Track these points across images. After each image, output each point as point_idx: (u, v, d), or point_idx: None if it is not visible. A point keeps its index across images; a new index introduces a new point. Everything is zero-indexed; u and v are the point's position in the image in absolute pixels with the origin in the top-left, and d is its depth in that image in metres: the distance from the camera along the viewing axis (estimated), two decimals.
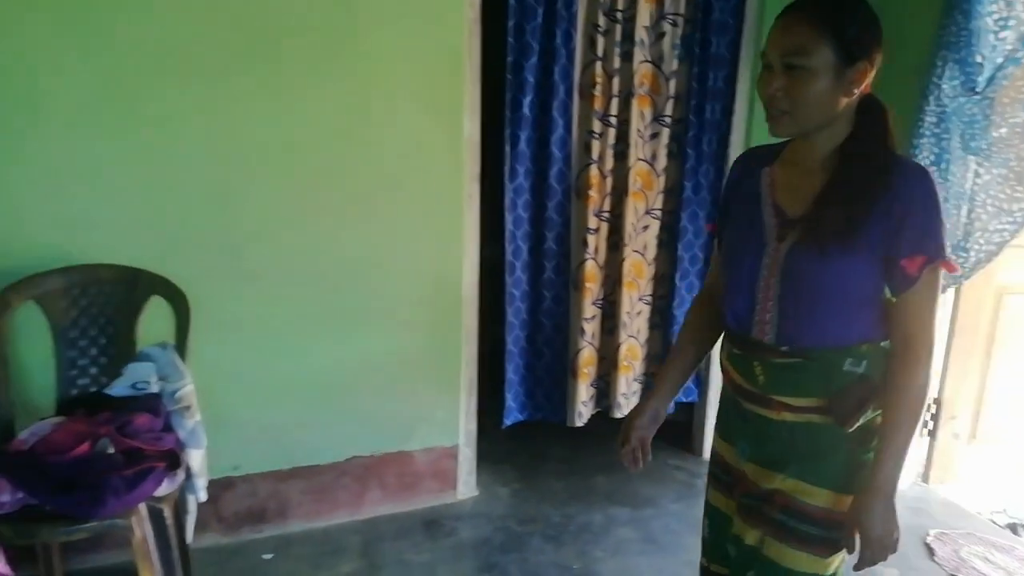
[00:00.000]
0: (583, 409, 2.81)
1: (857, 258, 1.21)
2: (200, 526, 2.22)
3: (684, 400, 3.04)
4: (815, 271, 1.23)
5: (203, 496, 2.02)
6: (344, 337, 2.43)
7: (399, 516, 2.63)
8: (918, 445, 2.94)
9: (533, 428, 3.13)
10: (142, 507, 1.76)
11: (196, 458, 1.96)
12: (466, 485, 2.75)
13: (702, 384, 3.02)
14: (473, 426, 2.71)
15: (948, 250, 1.23)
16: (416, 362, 2.55)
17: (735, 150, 2.75)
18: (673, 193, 2.80)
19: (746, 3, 2.66)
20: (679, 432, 3.20)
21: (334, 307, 2.39)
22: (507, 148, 2.56)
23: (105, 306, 2.05)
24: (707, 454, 3.03)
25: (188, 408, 1.98)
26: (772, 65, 1.21)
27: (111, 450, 1.80)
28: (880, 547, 1.24)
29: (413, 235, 2.43)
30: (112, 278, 2.05)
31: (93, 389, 2.02)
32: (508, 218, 2.62)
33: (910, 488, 2.94)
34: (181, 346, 2.03)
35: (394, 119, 2.32)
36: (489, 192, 2.65)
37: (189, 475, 1.95)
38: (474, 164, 2.46)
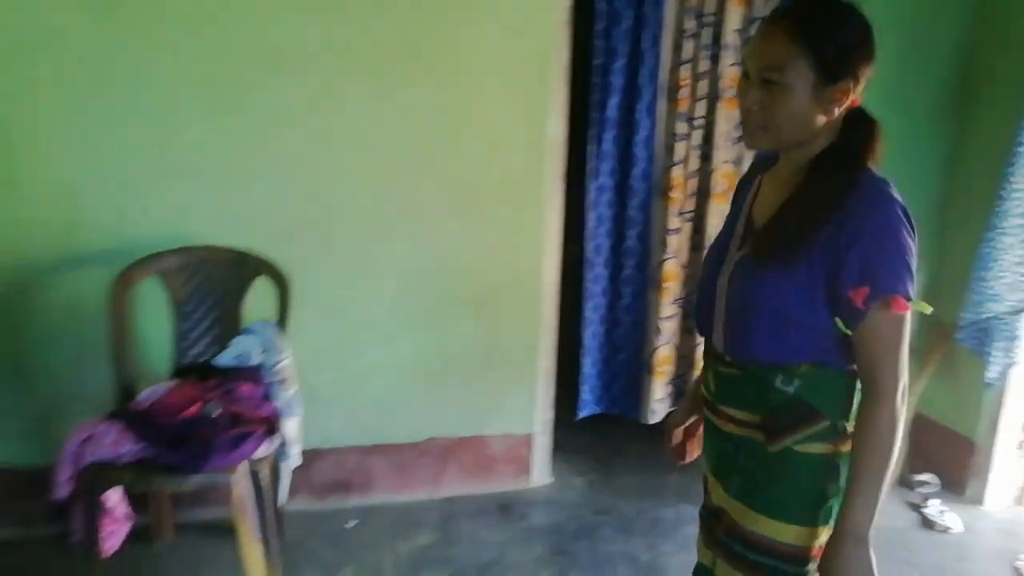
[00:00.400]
0: (658, 407, 2.85)
1: (796, 277, 1.15)
2: (292, 491, 2.42)
3: None
4: (753, 284, 1.20)
5: (296, 462, 2.20)
6: (429, 325, 2.57)
7: (474, 497, 2.75)
8: (1013, 466, 2.81)
9: (610, 423, 3.19)
10: (242, 466, 1.94)
11: (291, 426, 2.14)
12: (540, 472, 2.84)
13: None
14: (549, 416, 2.80)
15: (907, 286, 1.12)
16: (496, 352, 2.66)
17: None
18: None
19: None
20: None
21: (421, 296, 2.53)
22: (591, 148, 2.63)
23: (217, 284, 2.26)
24: None
25: (285, 380, 2.16)
26: (750, 75, 1.16)
27: (217, 413, 2.00)
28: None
29: (498, 231, 2.54)
30: (224, 259, 2.26)
31: (203, 359, 2.24)
32: (590, 216, 2.69)
33: (1004, 511, 2.82)
34: (282, 324, 2.22)
35: (483, 119, 2.43)
36: (571, 191, 2.72)
37: (284, 442, 2.13)
38: (558, 163, 2.55)
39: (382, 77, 2.33)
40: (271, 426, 2.05)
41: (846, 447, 1.21)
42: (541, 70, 2.43)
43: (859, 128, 1.19)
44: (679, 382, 2.91)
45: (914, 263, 1.14)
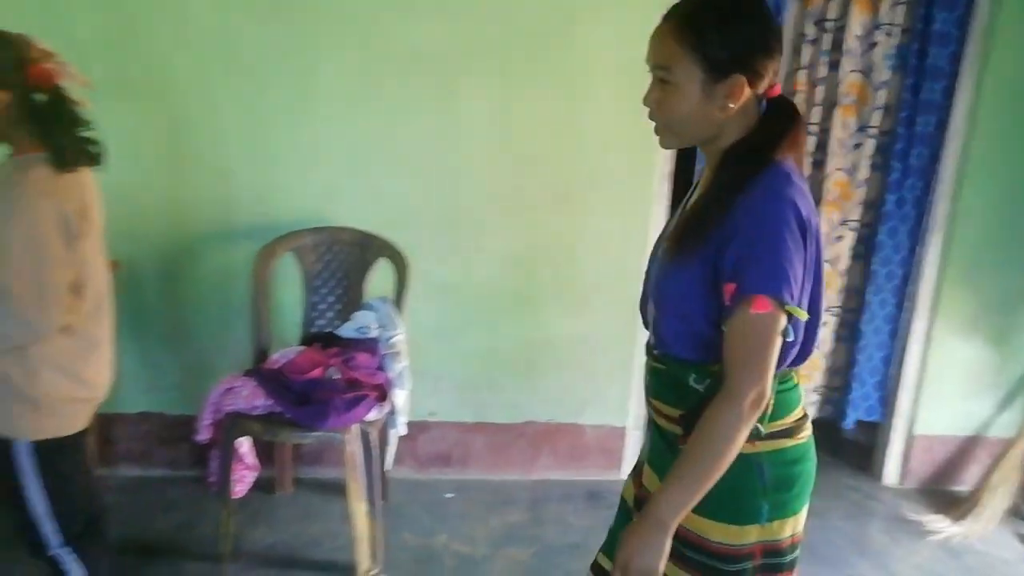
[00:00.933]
0: None
1: (692, 269, 1.14)
2: (397, 459, 2.62)
3: (867, 419, 2.96)
4: (663, 279, 1.20)
5: (403, 431, 2.39)
6: (533, 312, 2.70)
7: (565, 483, 2.86)
8: None
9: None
10: (355, 427, 2.14)
11: (400, 397, 2.33)
12: (630, 465, 2.89)
13: (888, 403, 2.92)
14: (642, 411, 2.87)
15: (777, 286, 1.06)
16: (595, 344, 2.76)
17: (948, 164, 2.63)
18: (873, 206, 2.74)
19: (973, 13, 2.53)
20: (859, 452, 3.11)
21: (526, 284, 2.67)
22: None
23: (343, 262, 2.49)
24: (889, 478, 2.96)
25: (398, 354, 2.35)
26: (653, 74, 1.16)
27: (337, 377, 2.21)
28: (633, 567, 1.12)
29: (603, 226, 2.63)
30: (351, 240, 2.48)
31: (328, 328, 2.47)
32: None
33: None
34: (398, 302, 2.42)
35: (597, 118, 2.53)
36: (678, 191, 2.78)
37: (393, 411, 2.32)
38: (665, 163, 2.61)
39: (504, 76, 2.47)
40: (383, 393, 2.25)
41: (765, 447, 1.19)
42: None
43: (774, 119, 1.16)
44: (824, 390, 2.89)
45: (793, 266, 1.07)
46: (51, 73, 1.43)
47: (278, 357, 2.32)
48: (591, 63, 2.48)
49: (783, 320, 1.09)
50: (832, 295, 2.81)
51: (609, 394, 2.81)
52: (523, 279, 2.67)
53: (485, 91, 2.48)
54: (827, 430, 3.17)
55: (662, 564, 1.12)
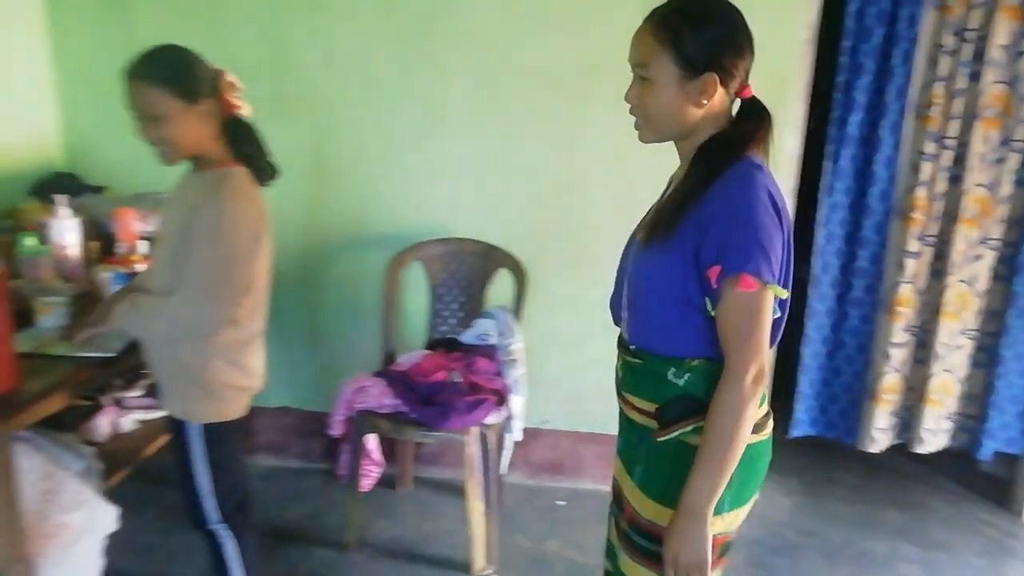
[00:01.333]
0: (879, 436, 2.74)
1: (671, 257, 1.17)
2: (511, 464, 2.70)
3: (1006, 450, 2.77)
4: (640, 270, 1.24)
5: (519, 436, 2.46)
6: None
7: None
8: None
9: (825, 450, 3.12)
10: (475, 429, 2.23)
11: (517, 403, 2.41)
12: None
13: None
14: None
15: (757, 265, 1.10)
16: None
17: None
18: (1017, 223, 2.58)
19: None
20: (996, 485, 2.92)
21: None
22: (827, 165, 2.62)
23: (467, 272, 2.60)
24: None
25: (516, 361, 2.43)
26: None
27: (459, 380, 2.32)
28: (684, 572, 1.17)
29: None
30: (473, 251, 2.59)
31: (450, 334, 2.58)
32: (820, 233, 2.67)
33: None
34: (517, 311, 2.50)
35: None
36: (799, 208, 2.72)
37: (510, 416, 2.40)
38: (791, 180, 2.57)
39: (621, 89, 2.52)
40: (501, 398, 2.33)
41: None
42: (781, 87, 2.47)
43: (746, 119, 1.22)
44: (905, 413, 2.77)
45: (773, 246, 1.12)
46: (234, 104, 1.60)
47: (404, 360, 2.46)
48: None
49: (769, 297, 1.14)
50: (969, 316, 2.66)
51: None
52: None
53: (605, 107, 2.53)
54: (960, 461, 3.00)
55: (707, 552, 1.16)
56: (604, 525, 2.62)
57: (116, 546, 1.92)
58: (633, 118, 1.27)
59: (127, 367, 1.74)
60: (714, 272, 1.13)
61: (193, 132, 1.54)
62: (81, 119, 2.66)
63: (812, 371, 2.81)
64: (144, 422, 2.22)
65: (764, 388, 1.16)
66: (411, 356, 2.47)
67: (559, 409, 2.82)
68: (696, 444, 1.20)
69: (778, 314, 1.19)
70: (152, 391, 2.25)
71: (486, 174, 2.62)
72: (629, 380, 1.31)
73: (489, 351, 2.44)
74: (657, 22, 1.19)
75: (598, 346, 2.74)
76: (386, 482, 2.74)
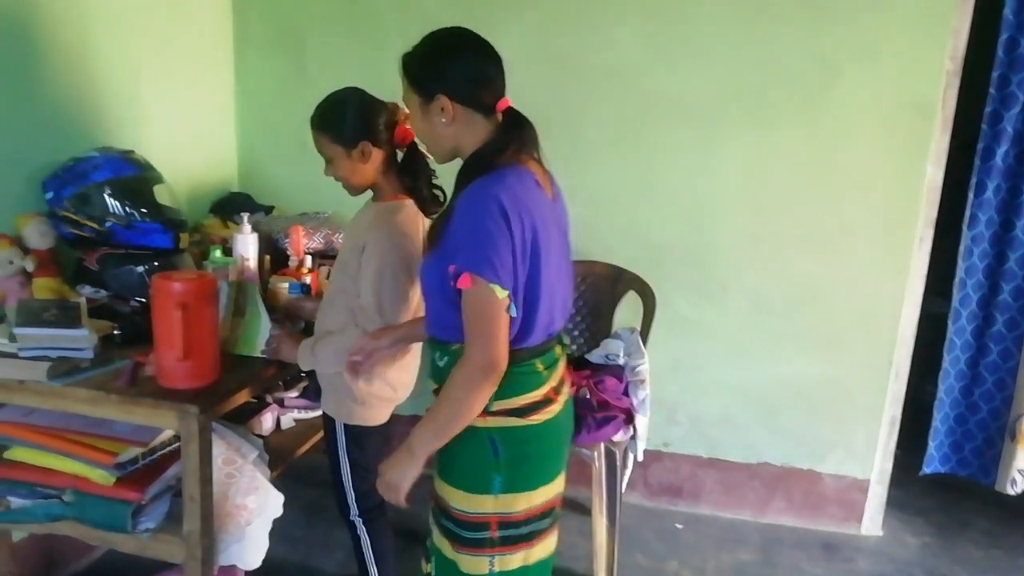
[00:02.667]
0: (1019, 477, 2.62)
1: (437, 263, 1.34)
2: (630, 484, 2.75)
3: None
4: (423, 271, 1.42)
5: (640, 456, 2.50)
6: (777, 351, 2.72)
7: (799, 530, 2.81)
8: None
9: (956, 491, 3.01)
10: (602, 445, 2.31)
11: (641, 424, 2.46)
12: (872, 522, 2.79)
13: None
14: (888, 465, 2.75)
15: (480, 266, 1.25)
16: (839, 390, 2.70)
17: None
18: None
19: None
20: None
21: (773, 324, 2.70)
22: (971, 196, 2.56)
23: (596, 293, 2.70)
24: None
25: (642, 382, 2.49)
26: None
27: (588, 397, 2.40)
28: (386, 487, 1.40)
29: (858, 270, 2.60)
30: (603, 273, 2.68)
31: (579, 353, 2.68)
32: (961, 265, 2.61)
33: None
34: (644, 333, 2.57)
35: (855, 161, 2.53)
36: (937, 239, 2.66)
37: (634, 436, 2.46)
38: (931, 210, 2.53)
39: (759, 122, 2.56)
40: (629, 416, 2.39)
41: (496, 422, 1.36)
42: (924, 117, 2.45)
43: (506, 130, 1.37)
44: None
45: (495, 250, 1.25)
46: (409, 133, 1.78)
47: None
48: (850, 110, 2.49)
49: (496, 295, 1.27)
50: None
51: (853, 443, 2.74)
52: (766, 318, 2.70)
53: (740, 136, 2.59)
54: None
55: (406, 482, 1.38)
56: (724, 551, 2.66)
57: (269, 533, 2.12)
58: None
59: (295, 369, 1.93)
60: (451, 270, 1.30)
61: (356, 170, 1.75)
62: (254, 145, 2.96)
63: (945, 406, 2.73)
64: (300, 421, 2.42)
65: (497, 376, 1.30)
66: None
67: (680, 432, 2.85)
68: (469, 424, 1.37)
69: (516, 314, 1.32)
70: (308, 393, 2.46)
71: (619, 199, 2.71)
72: (428, 365, 1.50)
73: (616, 371, 2.51)
74: (402, 60, 1.41)
75: (720, 371, 2.77)
76: None
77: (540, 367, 1.42)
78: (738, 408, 2.79)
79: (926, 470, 2.78)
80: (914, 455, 2.82)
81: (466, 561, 1.42)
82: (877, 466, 2.74)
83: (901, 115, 2.47)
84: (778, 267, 2.66)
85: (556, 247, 1.40)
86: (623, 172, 2.69)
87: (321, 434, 2.42)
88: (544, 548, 1.51)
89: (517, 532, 1.42)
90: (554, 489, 1.48)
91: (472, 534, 1.41)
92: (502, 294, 1.27)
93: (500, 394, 1.35)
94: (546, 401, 1.42)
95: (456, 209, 1.31)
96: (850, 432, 2.73)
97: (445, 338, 1.40)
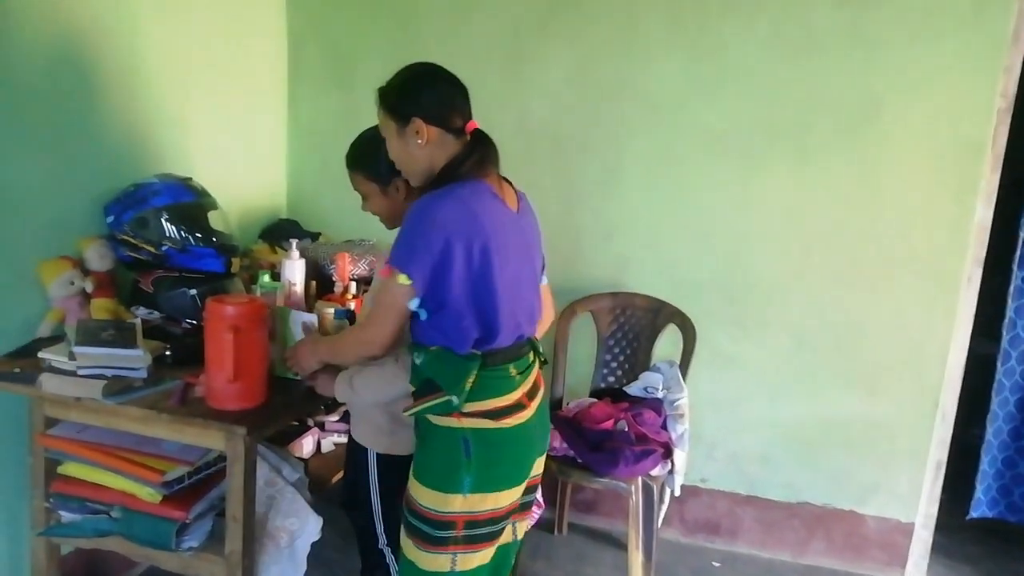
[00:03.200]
0: None
1: None
2: (665, 520, 2.72)
3: None
4: None
5: (678, 491, 2.48)
6: (818, 389, 2.68)
7: (839, 573, 2.73)
8: None
9: (1005, 538, 2.91)
10: (640, 479, 2.30)
11: (679, 458, 2.44)
12: (917, 568, 2.71)
13: None
14: (934, 510, 2.67)
15: (401, 261, 1.41)
16: (883, 430, 2.64)
17: None
18: None
19: None
20: None
21: (816, 361, 2.66)
22: (1021, 235, 2.52)
23: (635, 325, 2.70)
24: None
25: (681, 416, 2.48)
26: None
27: (627, 430, 2.40)
28: (292, 358, 1.73)
29: (901, 308, 2.56)
30: (643, 305, 2.68)
31: (616, 385, 2.68)
32: (1011, 305, 2.56)
33: None
34: (684, 367, 2.56)
35: (900, 196, 2.50)
36: (985, 279, 2.61)
37: (672, 470, 2.44)
38: (980, 249, 2.49)
39: (802, 155, 2.56)
40: (668, 450, 2.38)
41: (469, 423, 1.46)
42: (973, 153, 2.42)
43: (464, 151, 1.48)
44: None
45: (418, 250, 1.39)
46: None
47: (573, 407, 2.57)
48: (897, 145, 2.48)
49: (404, 290, 1.41)
50: None
51: (896, 485, 2.67)
52: (807, 355, 2.67)
53: (782, 169, 2.59)
54: None
55: (303, 359, 1.71)
56: None
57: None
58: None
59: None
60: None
61: (390, 205, 1.76)
62: (303, 173, 3.04)
63: (994, 449, 2.67)
64: (339, 445, 2.45)
65: (372, 351, 1.50)
66: (580, 403, 2.58)
67: (718, 468, 2.81)
68: (438, 424, 1.49)
69: (425, 316, 1.45)
70: (348, 417, 2.49)
71: (659, 231, 2.72)
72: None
73: (655, 404, 2.51)
74: (378, 93, 1.55)
75: (761, 408, 2.74)
76: (543, 525, 2.83)
77: (513, 372, 1.51)
78: (778, 446, 2.75)
79: (973, 514, 2.70)
80: (960, 499, 2.75)
81: (428, 559, 1.51)
82: (922, 510, 2.67)
83: (949, 152, 2.45)
84: (821, 303, 2.63)
85: (515, 255, 1.50)
86: (663, 204, 2.70)
87: None
88: (502, 539, 1.60)
89: (482, 531, 1.51)
90: (518, 493, 1.56)
91: (439, 532, 1.49)
92: (404, 280, 1.41)
93: (474, 396, 1.45)
94: (518, 406, 1.51)
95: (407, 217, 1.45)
96: (894, 474, 2.66)
97: (419, 340, 1.50)
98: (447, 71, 1.56)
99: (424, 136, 1.48)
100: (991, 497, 2.70)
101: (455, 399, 1.44)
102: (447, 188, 1.43)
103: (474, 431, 1.47)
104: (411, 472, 1.53)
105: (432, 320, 1.45)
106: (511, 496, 1.53)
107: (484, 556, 1.54)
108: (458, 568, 1.51)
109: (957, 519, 2.76)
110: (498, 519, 1.53)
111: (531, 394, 1.56)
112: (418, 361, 1.49)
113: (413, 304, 1.44)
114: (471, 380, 1.44)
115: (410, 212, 1.42)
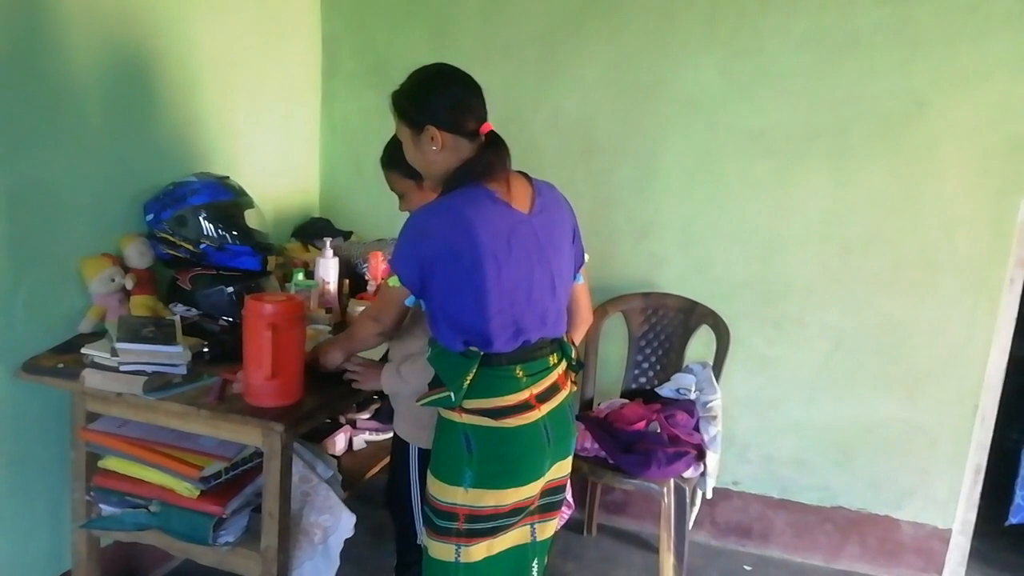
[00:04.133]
0: None
1: None
2: (697, 522, 2.70)
3: None
4: None
5: (709, 494, 2.47)
6: (854, 392, 2.63)
7: None
8: None
9: None
10: (672, 481, 2.28)
11: (712, 460, 2.42)
12: (954, 574, 2.66)
13: None
14: (972, 515, 2.62)
15: (395, 264, 1.52)
16: (920, 435, 2.60)
17: None
18: None
19: None
20: None
21: (852, 363, 2.61)
22: None
23: (667, 326, 2.68)
24: None
25: (715, 418, 2.45)
26: None
27: (659, 431, 2.38)
28: (318, 356, 1.81)
29: (941, 310, 2.51)
30: (676, 306, 2.66)
31: (648, 386, 2.66)
32: None
33: None
34: (717, 368, 2.54)
35: (942, 197, 2.45)
36: None
37: (704, 473, 2.42)
38: (1022, 250, 2.43)
39: (841, 156, 2.51)
40: (701, 452, 2.36)
41: (470, 419, 1.50)
42: (1018, 154, 2.36)
43: (477, 154, 1.50)
44: None
45: (406, 256, 1.49)
46: None
47: (604, 407, 2.56)
48: (939, 145, 2.43)
49: (397, 289, 1.53)
50: None
51: (934, 490, 2.62)
52: (845, 357, 2.63)
53: (821, 171, 2.55)
54: None
55: (323, 354, 1.81)
56: None
57: None
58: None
59: (370, 392, 1.96)
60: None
61: (426, 202, 1.77)
62: (336, 172, 3.06)
63: None
64: (371, 443, 2.46)
65: (378, 329, 1.67)
66: (611, 403, 2.57)
67: (750, 471, 2.79)
68: (444, 417, 1.55)
69: (421, 306, 1.56)
70: (380, 415, 2.50)
71: (694, 232, 2.69)
72: None
73: (688, 406, 2.49)
74: (391, 99, 1.57)
75: (795, 410, 2.70)
76: (573, 526, 2.82)
77: (519, 373, 1.52)
78: (812, 449, 2.71)
79: (1012, 520, 2.65)
80: (998, 505, 2.69)
81: (435, 547, 1.56)
82: (960, 516, 2.62)
83: (994, 152, 2.40)
84: (859, 305, 2.59)
85: (520, 258, 1.49)
86: (699, 205, 2.68)
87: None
88: (514, 538, 1.61)
89: (483, 526, 1.53)
90: (527, 492, 1.55)
91: (442, 522, 1.53)
92: (395, 282, 1.53)
93: (474, 393, 1.49)
94: (523, 407, 1.52)
95: None
96: (931, 479, 2.62)
97: (432, 336, 1.57)
98: (459, 72, 1.57)
99: (439, 142, 1.50)
100: None
101: (452, 395, 1.48)
102: (444, 198, 1.49)
103: (473, 427, 1.51)
104: (430, 464, 1.60)
105: (430, 319, 1.55)
106: (516, 495, 1.53)
107: (488, 548, 1.56)
108: (462, 560, 1.54)
109: (995, 525, 2.71)
110: (500, 515, 1.54)
111: (543, 396, 1.56)
112: (428, 355, 1.58)
113: (409, 300, 1.55)
114: (469, 378, 1.48)
115: (407, 221, 1.51)
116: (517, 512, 1.57)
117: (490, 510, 1.52)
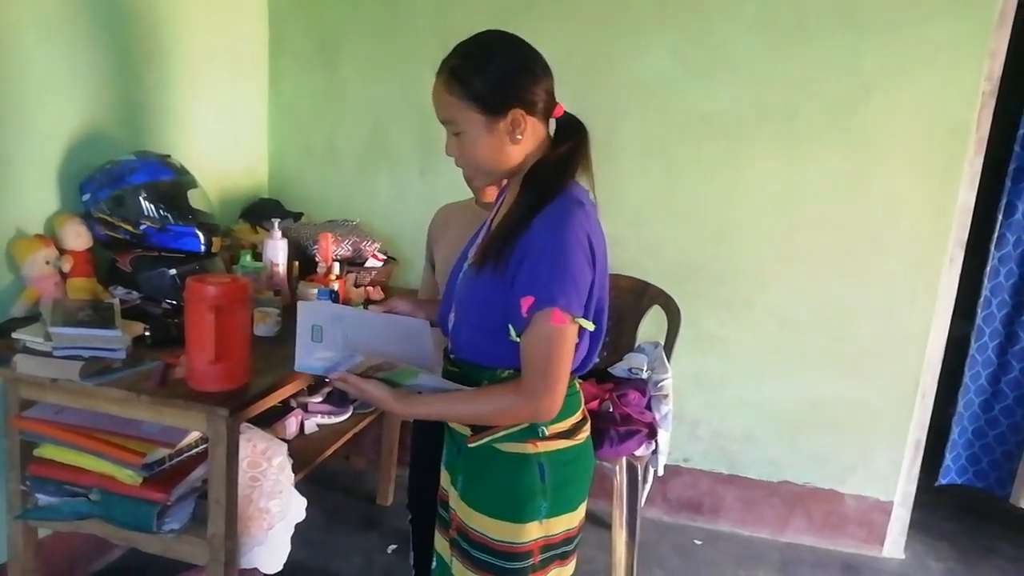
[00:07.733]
0: None
1: (493, 283, 1.22)
2: (649, 498, 2.74)
3: None
4: (469, 291, 1.29)
5: (661, 471, 2.49)
6: (802, 370, 2.70)
7: (818, 551, 2.78)
8: None
9: (981, 515, 2.98)
10: (624, 459, 2.31)
11: (663, 438, 2.45)
12: (894, 545, 2.76)
13: None
14: (912, 487, 2.72)
15: (568, 300, 1.16)
16: (863, 411, 2.68)
17: None
18: None
19: None
20: None
21: (799, 342, 2.68)
22: (1000, 217, 2.54)
23: (620, 307, 2.69)
24: None
25: (666, 397, 2.48)
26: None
27: (611, 410, 2.40)
28: (359, 391, 1.26)
29: (886, 291, 2.58)
30: (628, 286, 2.68)
31: (601, 366, 2.67)
32: (987, 284, 2.60)
33: None
34: (668, 348, 2.56)
35: (887, 181, 2.51)
36: (976, 260, 2.64)
37: (656, 451, 2.45)
38: (961, 231, 2.51)
39: (791, 140, 2.55)
40: (652, 431, 2.39)
41: (546, 447, 1.27)
42: (958, 137, 2.43)
43: (565, 138, 1.27)
44: None
45: (582, 283, 1.18)
46: None
47: None
48: (885, 129, 2.48)
49: (575, 331, 1.20)
50: None
51: (876, 464, 2.71)
52: (792, 336, 2.69)
53: (771, 154, 2.58)
54: None
55: (370, 394, 1.26)
56: (743, 569, 2.63)
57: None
58: None
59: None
60: (527, 302, 1.17)
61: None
62: (285, 152, 2.98)
63: (964, 420, 2.74)
64: (323, 426, 2.43)
65: (545, 420, 1.24)
66: None
67: (700, 448, 2.84)
68: (507, 451, 1.28)
69: (586, 344, 1.28)
70: (332, 398, 2.47)
71: (646, 213, 2.71)
72: None
73: (640, 385, 2.51)
74: (446, 77, 1.23)
75: (744, 388, 2.76)
76: None
77: (578, 386, 1.37)
78: (760, 426, 2.77)
79: (942, 480, 2.77)
80: (935, 475, 2.80)
81: None
82: (900, 488, 2.71)
83: (935, 136, 2.46)
84: (806, 286, 2.64)
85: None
86: (652, 187, 2.69)
87: (343, 439, 2.45)
88: (571, 567, 1.44)
89: (554, 552, 1.36)
90: (586, 502, 1.42)
91: (516, 564, 1.30)
92: (592, 327, 1.25)
93: (556, 418, 1.26)
94: (585, 419, 1.38)
95: (535, 234, 1.19)
96: (873, 453, 2.70)
97: (492, 363, 1.27)
98: (529, 45, 1.29)
99: (523, 129, 1.23)
100: (960, 465, 2.78)
101: (545, 428, 1.27)
102: (574, 201, 1.23)
103: (548, 454, 1.29)
104: (469, 506, 1.32)
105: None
106: (582, 510, 1.39)
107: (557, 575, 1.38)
108: None
109: (936, 497, 2.81)
110: (571, 538, 1.37)
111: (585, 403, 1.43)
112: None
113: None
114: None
115: (552, 239, 1.17)
116: (580, 531, 1.41)
117: (563, 535, 1.34)
